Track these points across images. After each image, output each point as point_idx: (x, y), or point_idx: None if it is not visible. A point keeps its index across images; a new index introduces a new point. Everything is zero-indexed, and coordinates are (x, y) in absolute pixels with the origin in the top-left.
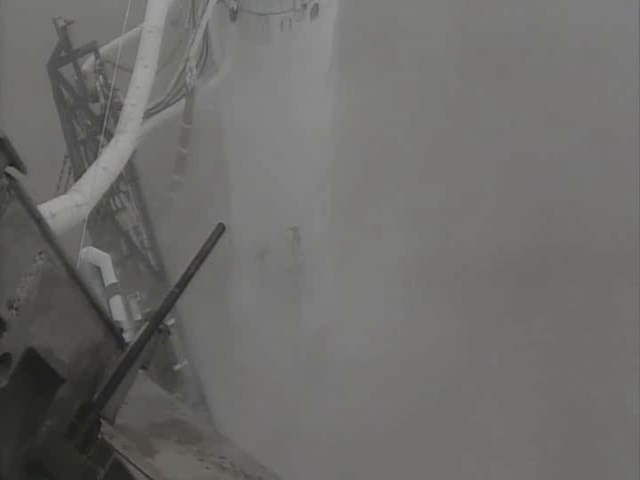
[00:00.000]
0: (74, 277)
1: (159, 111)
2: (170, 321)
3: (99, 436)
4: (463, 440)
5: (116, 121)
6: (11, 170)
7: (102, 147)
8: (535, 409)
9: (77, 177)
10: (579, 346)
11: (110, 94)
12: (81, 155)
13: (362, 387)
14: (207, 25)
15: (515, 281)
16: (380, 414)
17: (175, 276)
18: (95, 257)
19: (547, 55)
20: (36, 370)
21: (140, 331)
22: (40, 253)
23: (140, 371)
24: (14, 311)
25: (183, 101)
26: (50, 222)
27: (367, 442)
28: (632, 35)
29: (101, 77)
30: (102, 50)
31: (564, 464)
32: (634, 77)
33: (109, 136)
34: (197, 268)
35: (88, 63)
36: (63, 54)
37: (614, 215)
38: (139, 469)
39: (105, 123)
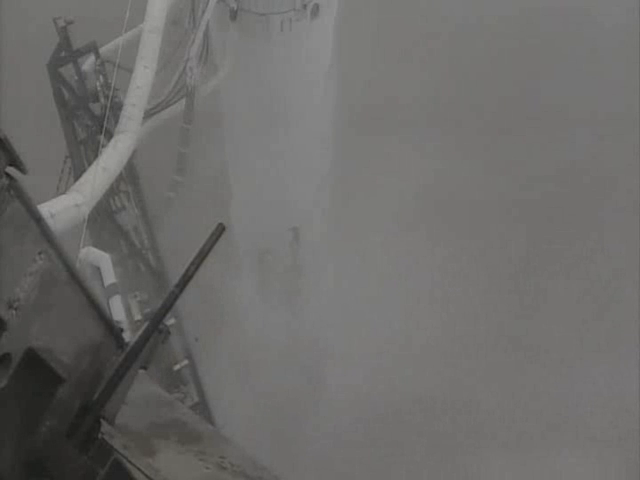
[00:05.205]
0: (74, 277)
1: (159, 111)
2: (170, 321)
3: (99, 436)
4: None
5: (116, 121)
6: (11, 170)
7: (102, 147)
8: None
9: (77, 177)
10: None
11: (110, 94)
12: (81, 155)
13: (361, 386)
14: (207, 25)
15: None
16: (379, 413)
17: (175, 276)
18: (95, 257)
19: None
20: (36, 370)
21: (140, 331)
22: (40, 253)
23: (140, 371)
24: (14, 311)
25: (183, 101)
26: (50, 222)
27: (366, 441)
28: None
29: (101, 77)
30: (102, 50)
31: None
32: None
33: (109, 136)
34: (197, 268)
35: (88, 63)
36: (63, 54)
37: None
38: (139, 469)
39: (105, 123)
